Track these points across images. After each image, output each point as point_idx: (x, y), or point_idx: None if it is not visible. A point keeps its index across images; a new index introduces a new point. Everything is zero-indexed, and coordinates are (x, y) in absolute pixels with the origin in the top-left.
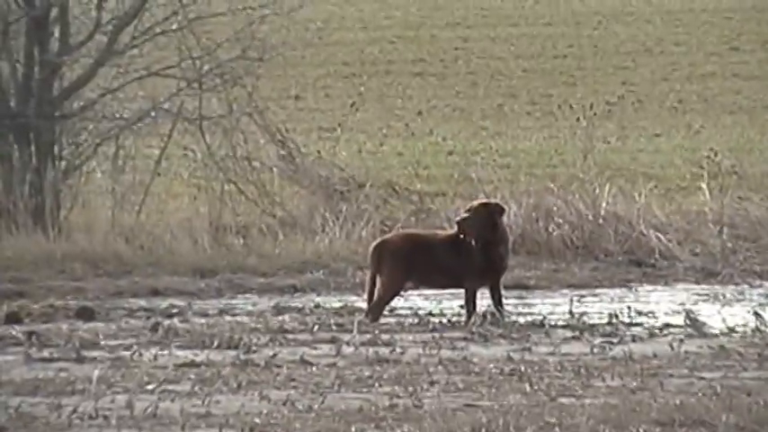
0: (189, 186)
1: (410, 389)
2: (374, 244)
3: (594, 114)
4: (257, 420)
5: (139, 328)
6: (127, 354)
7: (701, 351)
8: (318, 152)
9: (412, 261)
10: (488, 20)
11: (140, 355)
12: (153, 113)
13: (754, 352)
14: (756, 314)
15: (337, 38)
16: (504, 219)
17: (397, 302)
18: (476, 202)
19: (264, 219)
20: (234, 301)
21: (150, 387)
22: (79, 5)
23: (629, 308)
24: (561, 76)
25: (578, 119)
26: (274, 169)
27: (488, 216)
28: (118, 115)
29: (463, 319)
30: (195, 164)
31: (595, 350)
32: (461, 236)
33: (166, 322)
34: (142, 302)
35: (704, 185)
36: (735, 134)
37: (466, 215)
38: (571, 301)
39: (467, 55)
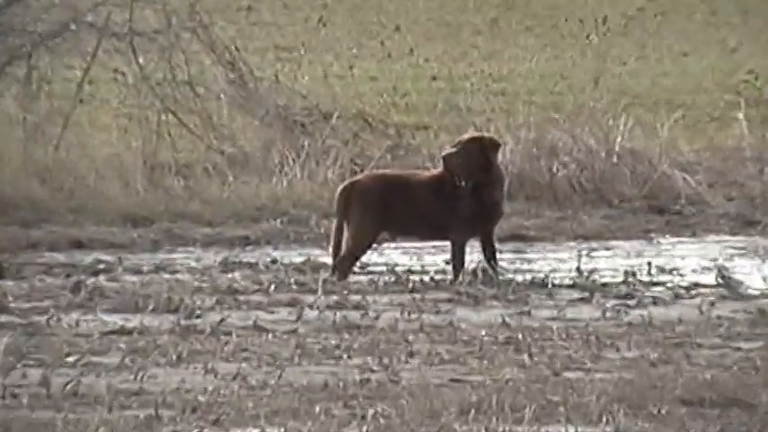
0: (118, 116)
1: (385, 360)
2: (342, 187)
3: (608, 30)
4: (201, 398)
5: (58, 287)
6: (42, 319)
7: (737, 316)
8: (276, 76)
9: (387, 207)
10: None
11: (59, 320)
12: (73, 27)
13: None
14: None
15: None
16: (500, 156)
17: (369, 257)
18: (466, 136)
19: (210, 156)
20: (173, 256)
21: (71, 359)
22: None
23: (648, 264)
24: None
25: (588, 36)
26: (222, 96)
27: (481, 152)
28: (30, 29)
29: (449, 277)
30: (126, 89)
31: (608, 314)
32: (448, 176)
33: (91, 281)
34: (61, 257)
35: (741, 115)
36: None
37: (454, 150)
38: (579, 255)
39: None
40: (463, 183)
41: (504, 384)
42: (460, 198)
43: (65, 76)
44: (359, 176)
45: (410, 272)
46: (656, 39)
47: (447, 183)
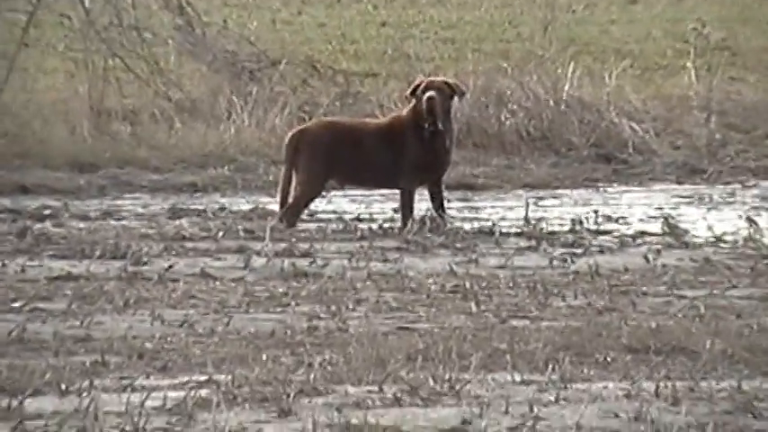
0: (64, 61)
1: (333, 308)
2: (290, 134)
3: None
4: (148, 345)
5: (3, 233)
6: None
7: (682, 264)
8: (224, 21)
9: (335, 155)
10: None
11: (4, 265)
12: None
13: (746, 265)
14: (749, 220)
15: None
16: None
17: (317, 205)
18: (438, 79)
19: (157, 102)
20: (120, 202)
21: (16, 305)
22: None
23: (595, 212)
24: None
25: None
26: (169, 42)
27: (450, 97)
28: None
29: (397, 225)
30: (72, 33)
31: (555, 263)
32: (429, 120)
33: (37, 226)
34: (6, 202)
35: (689, 64)
36: (727, 1)
37: (435, 93)
38: (527, 204)
39: None
40: (440, 126)
41: (450, 332)
42: (411, 145)
43: (8, 18)
44: (307, 124)
45: (358, 220)
46: None
47: (396, 130)
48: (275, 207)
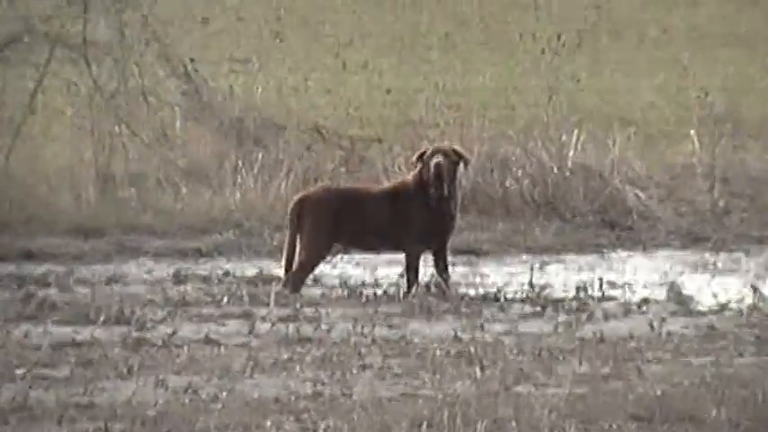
0: (71, 127)
1: (337, 374)
2: (295, 199)
3: (562, 46)
4: (151, 412)
5: (8, 299)
6: None
7: (687, 331)
8: (230, 88)
9: (339, 219)
10: None
11: (8, 332)
12: (26, 38)
13: (751, 333)
14: (754, 288)
15: None
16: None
17: (322, 270)
18: (445, 145)
19: (163, 168)
20: (125, 267)
21: (20, 372)
22: None
23: (600, 279)
24: None
25: (542, 51)
26: (176, 108)
27: (457, 164)
28: None
29: (402, 290)
30: (79, 100)
31: (560, 329)
32: (436, 185)
33: (42, 292)
34: (11, 268)
35: (692, 132)
36: (730, 71)
37: (443, 158)
38: (531, 269)
39: None
40: (446, 192)
41: (455, 399)
42: (416, 210)
43: (17, 86)
44: (311, 189)
45: (363, 285)
46: (608, 55)
47: (402, 195)
48: (280, 272)
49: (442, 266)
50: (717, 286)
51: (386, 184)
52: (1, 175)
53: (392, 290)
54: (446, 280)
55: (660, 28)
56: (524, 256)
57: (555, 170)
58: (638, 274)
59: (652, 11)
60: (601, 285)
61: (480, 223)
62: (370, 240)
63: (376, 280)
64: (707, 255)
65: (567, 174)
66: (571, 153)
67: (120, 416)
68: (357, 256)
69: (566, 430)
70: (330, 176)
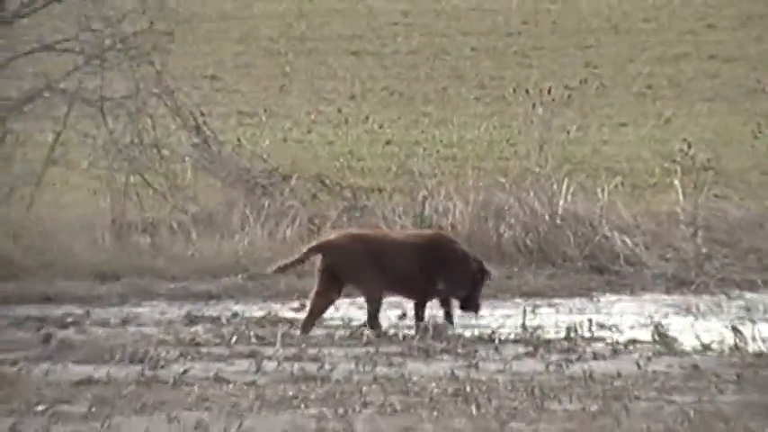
0: (88, 178)
1: (340, 410)
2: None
3: (552, 100)
4: None
5: (28, 339)
6: (13, 369)
7: (672, 371)
8: (238, 140)
9: (382, 267)
10: None
11: (29, 371)
12: (46, 94)
13: (732, 372)
14: (735, 329)
15: (259, 9)
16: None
17: (325, 312)
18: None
19: (175, 215)
20: (139, 309)
21: (40, 408)
22: None
23: (589, 320)
24: (515, 56)
25: (534, 105)
26: (187, 159)
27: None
28: (5, 95)
29: (401, 331)
30: (95, 152)
31: (551, 368)
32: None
33: (60, 333)
34: (32, 310)
35: (676, 182)
36: (711, 124)
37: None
38: (524, 312)
39: (407, 31)
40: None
41: None
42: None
43: (38, 139)
44: (333, 236)
45: (364, 326)
46: (596, 109)
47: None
48: (286, 314)
49: (448, 308)
50: (699, 328)
51: (414, 233)
52: (23, 223)
53: (392, 331)
54: (451, 320)
55: (645, 83)
56: (517, 300)
57: (546, 218)
58: (625, 316)
59: (638, 67)
60: (590, 327)
61: None
62: (404, 286)
63: None
64: (690, 298)
65: (558, 221)
66: (561, 202)
67: None
68: (358, 299)
69: None
70: (333, 224)
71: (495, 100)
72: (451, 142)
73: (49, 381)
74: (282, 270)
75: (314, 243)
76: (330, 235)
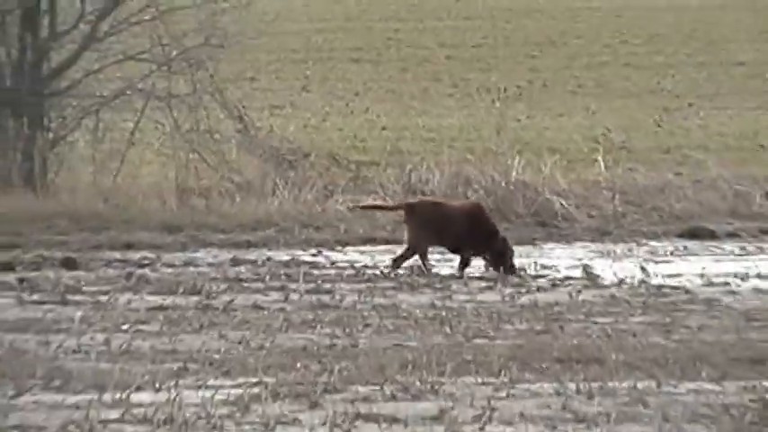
0: (158, 155)
1: (347, 330)
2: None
3: (507, 96)
4: (216, 356)
5: (115, 276)
6: (105, 298)
7: (596, 299)
8: (270, 126)
9: (437, 227)
10: (417, 14)
11: (116, 299)
12: (128, 92)
13: (640, 300)
14: (642, 268)
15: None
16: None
17: (336, 256)
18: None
19: (223, 183)
20: (196, 254)
21: (125, 327)
22: None
23: (535, 262)
24: (478, 63)
25: (493, 100)
26: (232, 141)
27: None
28: (98, 93)
29: (389, 269)
30: (164, 136)
31: (506, 298)
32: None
33: (138, 271)
34: (117, 254)
35: (599, 158)
36: (625, 115)
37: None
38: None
39: (398, 44)
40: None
41: (432, 348)
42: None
43: (121, 126)
44: (412, 200)
45: (366, 267)
46: (540, 103)
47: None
48: (306, 258)
49: (464, 261)
50: (616, 267)
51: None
52: (110, 189)
53: (386, 270)
54: (462, 270)
55: (577, 84)
56: None
57: (503, 185)
58: (561, 259)
59: (571, 72)
60: (535, 267)
61: None
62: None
63: (375, 263)
64: (610, 245)
65: (511, 188)
66: (514, 173)
67: (194, 359)
68: (361, 247)
69: (510, 369)
70: (343, 189)
71: (464, 96)
72: (431, 128)
73: (131, 307)
74: (365, 208)
75: (400, 202)
76: (413, 200)
